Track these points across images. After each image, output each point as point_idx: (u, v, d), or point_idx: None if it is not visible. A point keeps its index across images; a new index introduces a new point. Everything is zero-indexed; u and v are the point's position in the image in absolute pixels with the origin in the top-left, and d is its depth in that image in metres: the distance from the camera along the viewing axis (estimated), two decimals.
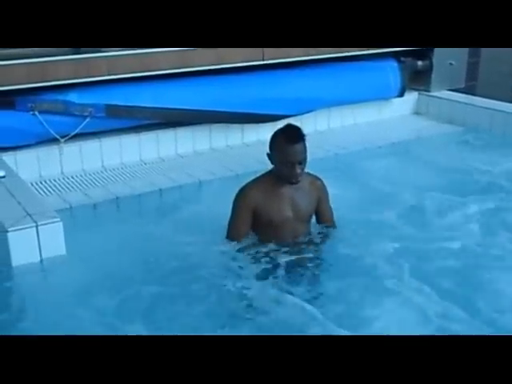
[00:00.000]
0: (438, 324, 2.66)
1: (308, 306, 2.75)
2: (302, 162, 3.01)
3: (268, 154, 3.10)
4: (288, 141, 2.99)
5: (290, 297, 2.82)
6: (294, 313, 2.73)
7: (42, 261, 3.06)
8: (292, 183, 3.06)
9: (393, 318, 2.72)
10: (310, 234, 3.24)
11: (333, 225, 3.32)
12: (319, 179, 3.25)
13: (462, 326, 2.63)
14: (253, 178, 3.21)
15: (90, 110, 4.29)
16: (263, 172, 3.20)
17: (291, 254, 3.10)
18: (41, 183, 4.16)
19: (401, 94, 5.69)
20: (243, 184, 3.17)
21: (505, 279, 3.03)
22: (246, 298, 2.85)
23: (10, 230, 2.98)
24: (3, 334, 2.50)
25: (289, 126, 3.11)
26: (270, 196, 3.09)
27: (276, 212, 3.09)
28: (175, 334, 2.50)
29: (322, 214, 3.28)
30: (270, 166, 3.15)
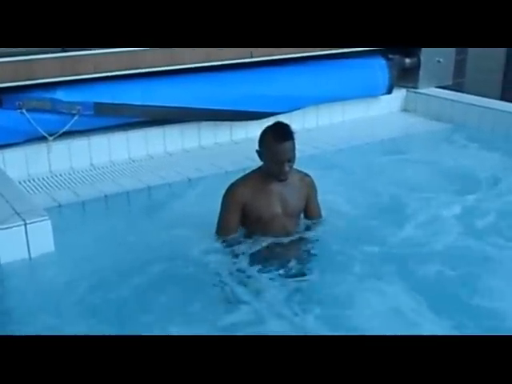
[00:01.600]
0: (428, 324, 2.66)
1: (296, 303, 2.77)
2: (291, 159, 3.02)
3: (257, 151, 3.10)
4: (277, 139, 2.99)
5: (279, 293, 2.83)
6: (283, 310, 2.73)
7: (30, 259, 3.06)
8: (281, 180, 3.07)
9: (381, 316, 2.72)
10: (299, 229, 3.25)
11: (320, 219, 3.34)
12: (308, 176, 3.27)
13: (453, 326, 2.64)
14: (242, 174, 3.22)
15: (78, 107, 4.28)
16: (252, 169, 3.21)
17: (281, 249, 3.11)
18: (29, 181, 4.14)
19: (389, 92, 5.72)
20: (232, 181, 3.18)
21: (494, 278, 3.02)
22: (235, 294, 2.86)
23: None
24: None
25: (278, 124, 3.12)
26: (259, 192, 3.10)
27: (265, 208, 3.10)
28: (164, 330, 2.51)
29: (310, 210, 3.29)
30: (258, 163, 3.15)
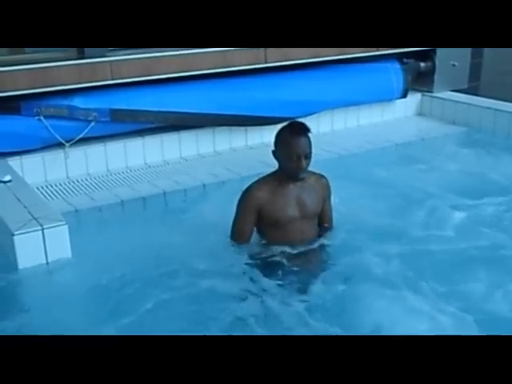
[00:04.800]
0: (437, 327, 2.65)
1: (312, 307, 2.77)
2: (308, 155, 3.00)
3: (273, 152, 3.10)
4: (293, 134, 3.00)
5: (294, 299, 2.83)
6: (298, 314, 2.74)
7: (47, 264, 3.09)
8: (298, 179, 3.05)
9: (398, 320, 2.70)
10: (316, 234, 3.23)
11: (330, 225, 3.32)
12: (324, 177, 3.25)
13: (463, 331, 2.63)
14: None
15: (94, 114, 4.32)
16: (268, 172, 3.20)
17: (297, 255, 3.09)
18: (46, 187, 4.19)
19: (404, 96, 5.71)
20: (248, 184, 3.17)
21: (504, 281, 3.01)
22: (249, 300, 2.86)
23: (16, 233, 3.01)
24: (9, 334, 2.53)
25: (293, 122, 3.15)
26: (276, 195, 3.08)
27: (282, 211, 3.08)
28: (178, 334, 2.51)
29: (323, 213, 3.26)
30: (273, 168, 3.16)
